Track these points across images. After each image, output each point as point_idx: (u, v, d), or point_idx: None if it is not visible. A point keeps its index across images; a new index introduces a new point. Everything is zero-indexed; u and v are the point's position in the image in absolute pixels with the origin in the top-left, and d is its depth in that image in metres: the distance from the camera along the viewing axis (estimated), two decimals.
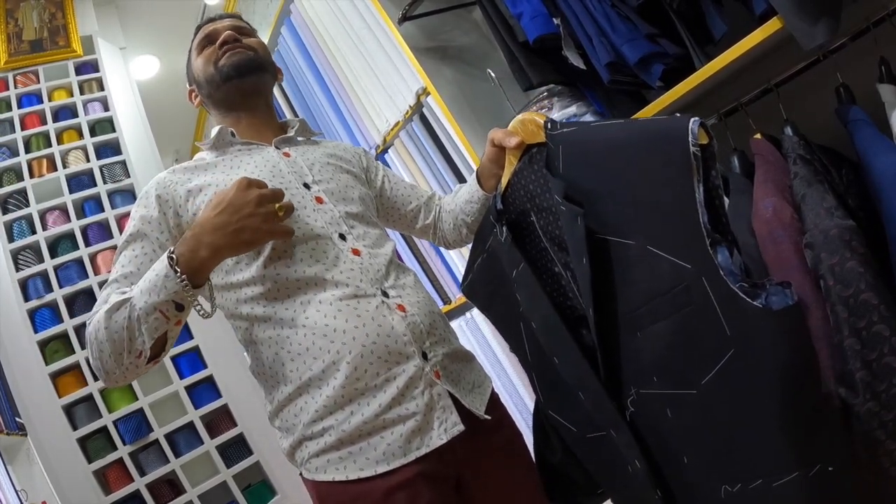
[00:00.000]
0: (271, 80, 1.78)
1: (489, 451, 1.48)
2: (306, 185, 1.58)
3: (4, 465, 4.36)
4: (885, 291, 1.26)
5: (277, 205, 1.30)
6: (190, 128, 6.78)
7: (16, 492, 4.10)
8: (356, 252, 1.48)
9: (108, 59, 4.68)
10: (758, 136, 1.65)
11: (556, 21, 1.89)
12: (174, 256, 1.26)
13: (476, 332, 2.82)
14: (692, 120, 1.09)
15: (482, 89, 2.41)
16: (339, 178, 1.66)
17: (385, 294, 1.45)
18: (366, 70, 3.03)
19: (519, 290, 1.36)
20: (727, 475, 1.14)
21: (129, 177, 4.24)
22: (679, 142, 1.08)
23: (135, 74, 5.19)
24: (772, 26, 1.45)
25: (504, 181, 1.44)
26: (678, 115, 1.15)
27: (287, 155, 1.64)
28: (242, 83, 1.66)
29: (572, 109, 2.01)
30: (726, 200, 1.33)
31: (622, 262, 1.20)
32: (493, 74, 2.27)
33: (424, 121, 2.78)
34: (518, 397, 2.68)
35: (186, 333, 3.99)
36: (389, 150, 3.08)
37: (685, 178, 1.08)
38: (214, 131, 1.63)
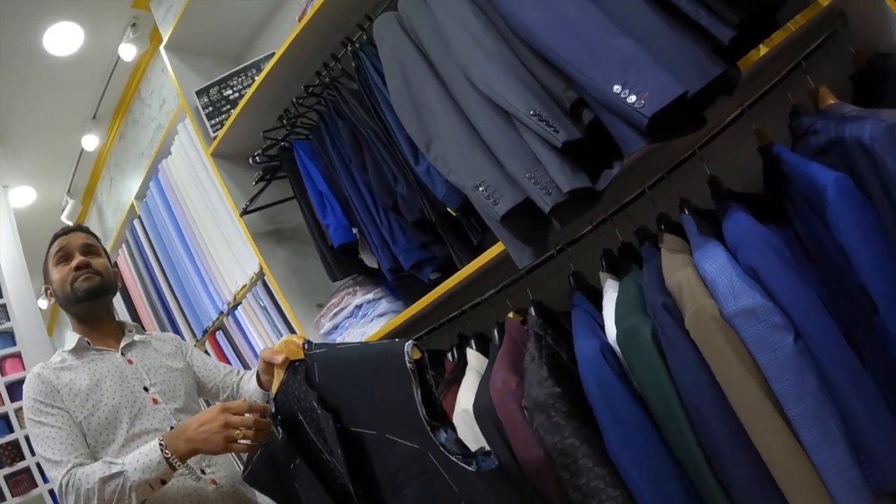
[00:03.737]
0: (114, 295, 2.17)
1: None
2: (146, 388, 1.96)
3: None
4: (591, 435, 1.59)
5: (237, 431, 1.60)
6: None
7: None
8: None
9: None
10: (511, 314, 2.00)
11: (354, 231, 2.30)
12: (168, 451, 1.64)
13: None
14: (407, 343, 1.50)
15: (310, 266, 2.74)
16: (169, 377, 2.06)
17: (203, 472, 1.86)
18: (219, 236, 3.28)
19: (297, 480, 1.59)
20: None
21: (8, 320, 4.25)
22: (398, 360, 1.48)
23: (13, 203, 5.27)
24: None
25: (274, 389, 1.70)
26: (397, 339, 1.54)
27: (130, 362, 2.02)
28: (92, 305, 2.06)
29: (370, 296, 2.40)
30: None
31: (371, 448, 1.54)
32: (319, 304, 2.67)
33: (266, 286, 3.03)
34: None
35: None
36: (238, 308, 3.29)
37: (406, 385, 1.47)
38: (74, 341, 2.00)
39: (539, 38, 1.53)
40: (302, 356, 1.66)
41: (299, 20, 2.39)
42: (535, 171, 1.54)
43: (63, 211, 5.67)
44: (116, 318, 2.21)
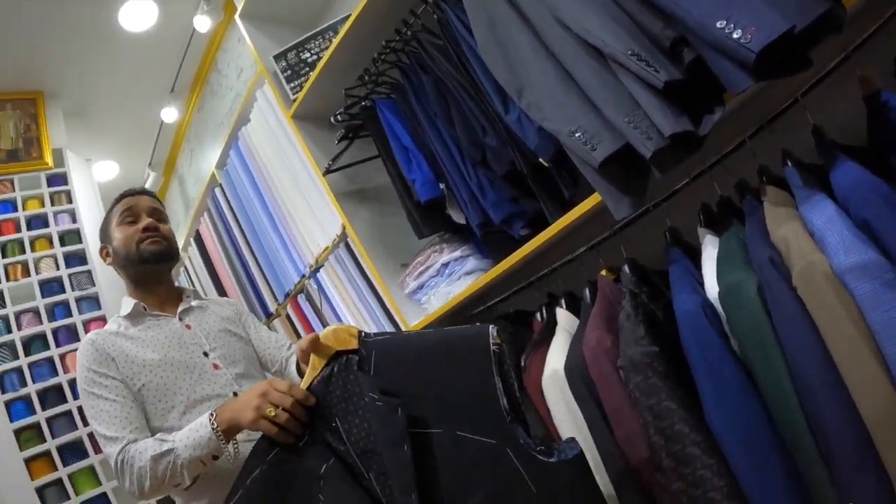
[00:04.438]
0: (175, 263, 2.15)
1: None
2: (205, 353, 1.94)
3: None
4: (686, 398, 1.49)
5: (269, 408, 1.46)
6: None
7: None
8: None
9: (76, 171, 4.93)
10: (603, 272, 1.92)
11: (441, 186, 2.24)
12: (217, 424, 1.61)
13: None
14: (491, 326, 1.38)
15: (394, 225, 2.72)
16: (229, 342, 2.04)
17: None
18: (300, 198, 3.29)
19: (326, 487, 1.38)
20: None
21: (94, 286, 4.50)
22: (482, 342, 1.36)
23: (97, 177, 5.45)
24: None
25: (306, 381, 1.50)
26: (478, 323, 1.43)
27: (188, 327, 2.00)
28: (156, 268, 2.05)
29: (458, 253, 2.35)
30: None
31: (434, 450, 1.36)
32: (403, 264, 2.63)
33: (349, 248, 3.02)
34: None
35: None
36: (321, 271, 3.28)
37: (487, 371, 1.34)
38: (129, 307, 1.97)
39: None
40: (355, 346, 1.48)
41: None
42: (634, 115, 1.44)
43: (145, 183, 5.83)
44: (175, 285, 2.19)
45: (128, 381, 1.82)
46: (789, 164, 1.59)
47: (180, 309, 2.07)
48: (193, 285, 4.55)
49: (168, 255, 2.08)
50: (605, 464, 1.67)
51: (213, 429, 1.61)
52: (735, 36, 1.27)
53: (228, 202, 4.11)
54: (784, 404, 1.39)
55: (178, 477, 1.64)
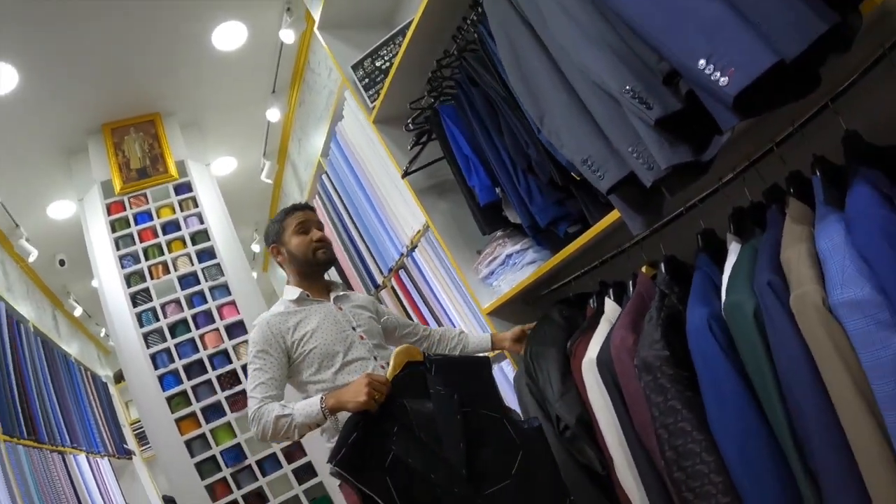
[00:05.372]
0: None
1: None
2: (354, 328, 2.38)
3: (117, 481, 6.63)
4: (693, 399, 1.60)
5: (377, 394, 1.99)
6: (263, 208, 7.84)
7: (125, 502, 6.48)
8: (383, 367, 2.31)
9: (199, 177, 5.56)
10: (644, 269, 2.04)
11: (497, 190, 2.46)
12: (324, 405, 2.07)
13: None
14: (490, 358, 2.43)
15: (470, 216, 2.81)
16: (368, 321, 2.48)
17: None
18: (392, 188, 3.55)
19: (397, 440, 1.97)
20: None
21: (223, 275, 5.16)
22: (488, 366, 2.28)
23: (217, 171, 6.07)
24: None
25: (389, 376, 2.09)
26: (486, 355, 2.59)
27: (340, 309, 2.46)
28: (324, 269, 2.55)
29: (518, 246, 2.60)
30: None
31: (468, 421, 2.04)
32: (478, 251, 2.88)
33: None
34: None
35: None
36: (416, 251, 3.52)
37: (492, 381, 2.26)
38: (296, 294, 2.49)
39: (624, 9, 1.42)
40: (420, 359, 2.16)
41: None
42: (637, 146, 1.48)
43: (262, 171, 6.23)
44: (326, 279, 2.67)
45: (296, 348, 2.33)
46: (817, 173, 1.52)
47: (334, 296, 2.55)
48: None
49: (333, 261, 2.69)
50: (627, 444, 1.88)
51: (321, 408, 2.08)
52: (713, 78, 1.22)
53: (334, 187, 4.48)
54: (776, 423, 1.45)
55: (290, 433, 2.14)
